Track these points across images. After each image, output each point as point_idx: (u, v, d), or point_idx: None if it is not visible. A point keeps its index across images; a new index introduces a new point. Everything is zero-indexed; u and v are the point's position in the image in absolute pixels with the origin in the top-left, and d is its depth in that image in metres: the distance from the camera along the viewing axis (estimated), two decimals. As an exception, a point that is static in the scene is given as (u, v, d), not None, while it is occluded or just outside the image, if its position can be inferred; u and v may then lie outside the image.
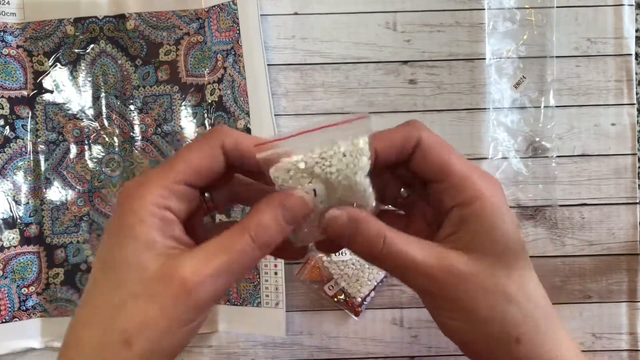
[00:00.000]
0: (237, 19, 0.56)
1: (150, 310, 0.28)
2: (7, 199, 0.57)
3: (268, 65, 0.57)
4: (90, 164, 0.58)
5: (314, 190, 0.31)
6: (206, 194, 0.33)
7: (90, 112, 0.58)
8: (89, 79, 0.58)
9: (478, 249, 0.30)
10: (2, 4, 0.57)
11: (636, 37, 0.58)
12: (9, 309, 0.57)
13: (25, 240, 0.57)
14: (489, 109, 0.58)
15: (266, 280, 0.56)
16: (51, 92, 0.58)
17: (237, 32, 0.56)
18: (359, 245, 0.30)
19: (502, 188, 0.31)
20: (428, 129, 0.31)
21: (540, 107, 0.58)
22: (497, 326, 0.30)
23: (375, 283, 0.57)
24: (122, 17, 0.58)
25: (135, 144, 0.58)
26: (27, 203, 0.58)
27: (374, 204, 0.31)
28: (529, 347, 0.30)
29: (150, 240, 0.29)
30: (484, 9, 0.58)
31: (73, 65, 0.58)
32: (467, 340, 0.31)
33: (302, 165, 0.30)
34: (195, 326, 0.30)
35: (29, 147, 0.58)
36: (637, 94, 0.59)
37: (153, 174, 0.30)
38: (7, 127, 0.57)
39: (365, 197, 0.31)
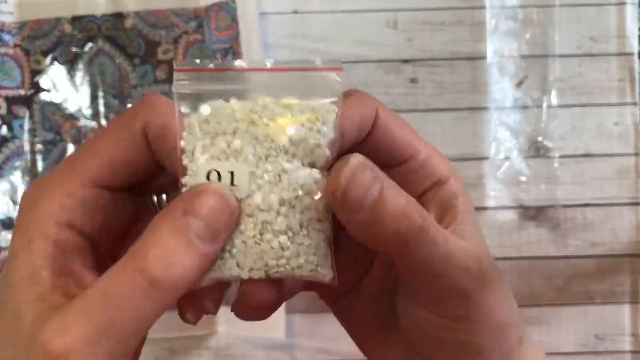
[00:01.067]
0: (236, 17, 0.56)
1: None
2: (5, 200, 0.57)
3: (267, 64, 0.56)
4: (88, 164, 0.58)
5: (232, 175, 0.20)
6: (155, 197, 0.24)
7: (87, 112, 0.58)
8: (87, 78, 0.58)
9: (472, 238, 0.23)
10: (0, 3, 0.57)
11: (639, 35, 0.58)
12: (6, 311, 0.56)
13: (22, 241, 0.57)
14: (491, 108, 0.57)
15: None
16: (48, 91, 0.58)
17: (236, 30, 0.56)
18: (387, 222, 0.20)
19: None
20: (378, 100, 0.24)
21: (542, 106, 0.58)
22: (511, 330, 0.23)
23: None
24: (120, 16, 0.57)
25: (134, 143, 0.58)
26: (24, 203, 0.57)
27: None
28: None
29: (33, 275, 0.20)
30: (486, 8, 0.58)
31: (71, 64, 0.58)
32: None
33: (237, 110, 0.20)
34: None
35: (26, 147, 0.57)
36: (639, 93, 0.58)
37: (55, 173, 0.22)
38: (4, 127, 0.57)
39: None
